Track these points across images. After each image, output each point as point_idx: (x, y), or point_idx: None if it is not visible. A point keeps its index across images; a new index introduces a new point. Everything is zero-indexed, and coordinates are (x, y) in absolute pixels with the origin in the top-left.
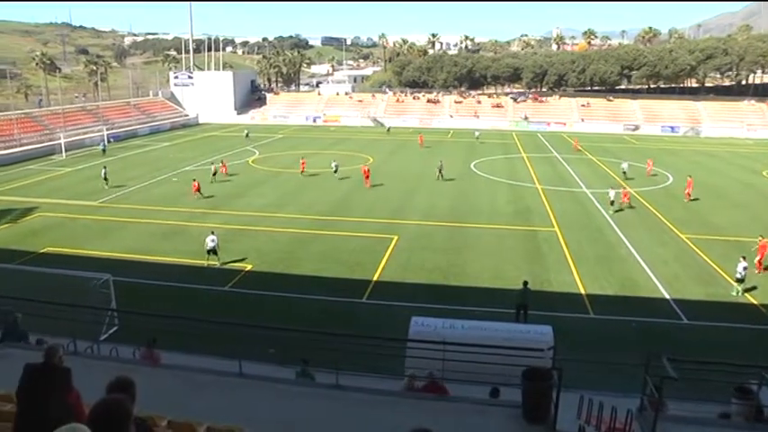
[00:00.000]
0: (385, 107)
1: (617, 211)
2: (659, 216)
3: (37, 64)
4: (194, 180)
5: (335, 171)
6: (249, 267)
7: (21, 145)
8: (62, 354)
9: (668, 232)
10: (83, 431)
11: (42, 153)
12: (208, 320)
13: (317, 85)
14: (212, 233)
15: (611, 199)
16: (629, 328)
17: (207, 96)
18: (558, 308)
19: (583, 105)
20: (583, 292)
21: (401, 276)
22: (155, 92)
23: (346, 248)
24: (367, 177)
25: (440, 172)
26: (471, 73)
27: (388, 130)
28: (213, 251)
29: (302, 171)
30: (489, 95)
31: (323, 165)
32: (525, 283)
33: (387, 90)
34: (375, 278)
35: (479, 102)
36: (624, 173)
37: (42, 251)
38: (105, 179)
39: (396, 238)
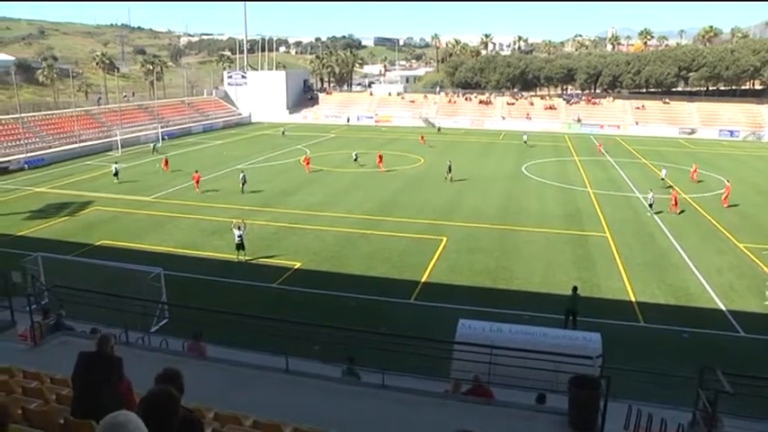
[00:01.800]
0: (437, 108)
1: (657, 213)
2: (714, 223)
3: (97, 63)
4: (196, 171)
5: (355, 159)
6: (298, 265)
7: (80, 141)
8: (114, 343)
9: (723, 240)
10: (133, 419)
11: (100, 149)
12: (255, 316)
13: (370, 86)
14: (238, 228)
15: (650, 202)
16: (681, 338)
17: (260, 96)
18: (608, 315)
19: (637, 108)
20: (633, 299)
21: (449, 278)
22: (209, 91)
23: (395, 249)
24: (380, 162)
25: (449, 172)
26: (524, 74)
27: (439, 130)
28: (241, 245)
29: (307, 170)
30: (542, 97)
31: (374, 163)
32: (575, 289)
33: (439, 91)
34: (423, 279)
35: (532, 103)
36: (663, 179)
37: (97, 244)
38: (115, 175)
39: (444, 239)
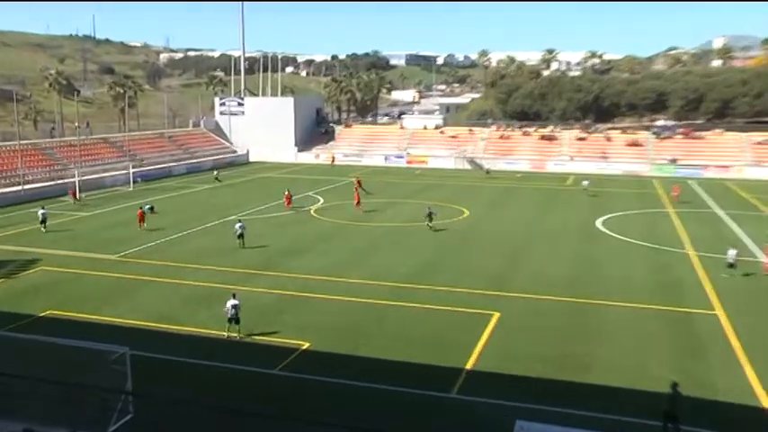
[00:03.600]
0: (485, 145)
1: (745, 275)
2: None
3: (51, 84)
4: (140, 209)
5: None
6: (306, 345)
7: (25, 182)
8: None
9: None
10: None
11: (51, 193)
12: (250, 413)
13: (400, 117)
14: (233, 296)
15: (730, 261)
16: None
17: (261, 128)
18: (726, 424)
19: (758, 142)
20: (765, 404)
21: (502, 365)
22: (195, 121)
23: (431, 326)
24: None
25: (429, 218)
26: (599, 100)
27: (487, 172)
28: (235, 319)
29: (288, 206)
30: (623, 130)
31: (406, 216)
32: (675, 386)
33: (488, 123)
34: (468, 366)
35: (609, 138)
36: None
37: (42, 314)
38: (42, 222)
39: (496, 314)
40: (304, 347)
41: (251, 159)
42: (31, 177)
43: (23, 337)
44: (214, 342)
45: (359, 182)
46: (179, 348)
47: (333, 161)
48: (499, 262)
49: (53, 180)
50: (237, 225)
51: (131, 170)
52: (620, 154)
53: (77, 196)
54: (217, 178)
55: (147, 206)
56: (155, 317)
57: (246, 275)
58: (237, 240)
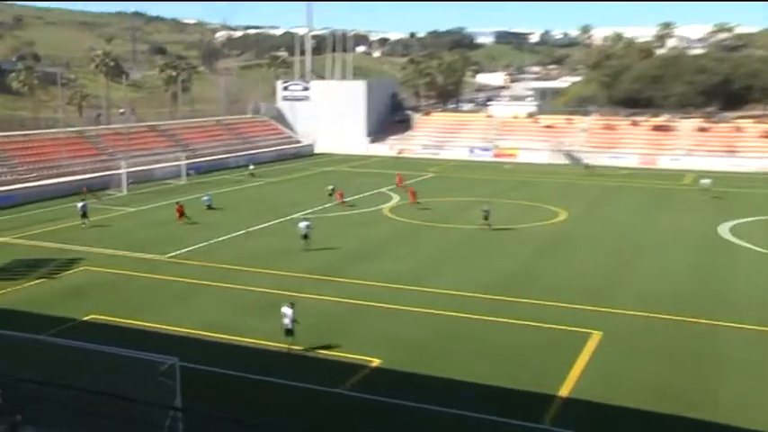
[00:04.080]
0: (586, 136)
1: None
2: None
3: (97, 66)
4: (178, 203)
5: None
6: (377, 363)
7: (68, 174)
8: None
9: None
10: None
11: (96, 185)
12: None
13: (487, 103)
14: (291, 305)
15: None
16: None
17: (328, 116)
18: None
19: None
20: None
21: (604, 395)
22: (255, 108)
23: (519, 344)
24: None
25: (485, 218)
26: (727, 83)
27: (587, 167)
28: (291, 331)
29: (341, 201)
30: (757, 119)
31: (493, 217)
32: None
33: (590, 111)
34: (562, 393)
35: (739, 129)
36: None
37: (84, 319)
38: (83, 216)
39: (597, 334)
40: (374, 364)
41: (316, 151)
42: (74, 168)
43: (63, 343)
44: (272, 355)
45: (412, 192)
46: (233, 361)
47: (399, 153)
48: (600, 272)
49: (98, 171)
50: (302, 224)
51: (184, 162)
52: (752, 148)
53: (87, 194)
54: (252, 174)
55: (206, 198)
56: (206, 325)
57: (310, 281)
58: (302, 241)
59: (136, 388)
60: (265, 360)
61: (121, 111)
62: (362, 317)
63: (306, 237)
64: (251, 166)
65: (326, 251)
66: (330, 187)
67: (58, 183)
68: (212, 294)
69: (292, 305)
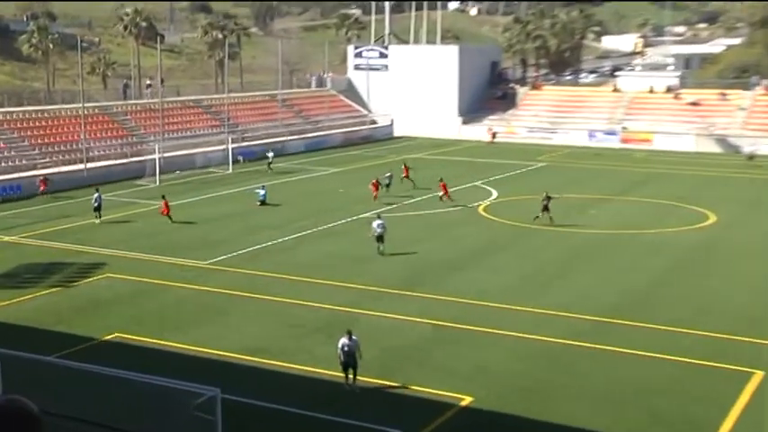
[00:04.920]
0: (745, 117)
1: None
2: None
3: (126, 27)
4: (163, 197)
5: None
6: (467, 401)
7: (89, 159)
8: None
9: None
10: None
11: (123, 174)
12: None
13: (614, 74)
14: (349, 335)
15: None
16: None
17: (411, 90)
18: None
19: None
20: None
21: None
22: (320, 79)
23: (651, 382)
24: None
25: (545, 208)
26: None
27: (750, 158)
28: (348, 364)
29: (406, 176)
30: None
31: (619, 220)
32: None
33: (754, 83)
34: None
35: None
36: None
37: (106, 338)
38: (96, 210)
39: (759, 374)
40: (464, 402)
41: (396, 134)
42: (97, 152)
43: (80, 367)
44: (332, 387)
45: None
46: (284, 392)
47: (493, 137)
48: (761, 294)
49: (126, 157)
50: (375, 223)
51: (230, 145)
52: None
53: (46, 186)
54: (269, 165)
55: (261, 191)
56: (253, 348)
57: (382, 296)
58: (376, 244)
59: (168, 424)
60: (323, 392)
61: (148, 82)
62: (449, 342)
63: (380, 238)
64: (270, 154)
65: (405, 258)
66: (387, 174)
67: (75, 171)
68: (261, 310)
69: (350, 335)
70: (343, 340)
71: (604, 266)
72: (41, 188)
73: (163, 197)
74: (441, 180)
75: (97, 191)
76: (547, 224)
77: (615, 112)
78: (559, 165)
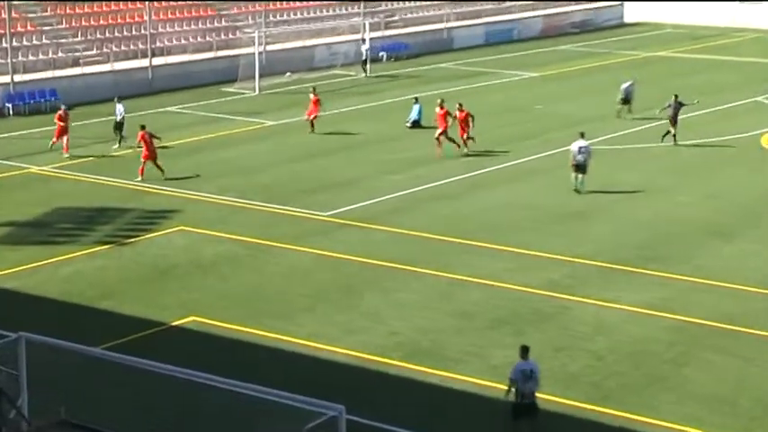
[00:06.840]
0: None
1: None
2: None
3: None
4: (142, 127)
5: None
6: None
7: (156, 53)
8: None
9: None
10: None
11: (206, 77)
12: None
13: None
14: (525, 352)
15: None
16: None
17: None
18: None
19: None
20: None
21: None
22: None
23: None
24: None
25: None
26: None
27: None
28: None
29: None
30: None
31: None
32: None
33: None
34: None
35: None
36: None
37: (179, 322)
38: (118, 129)
39: None
40: None
41: (626, 19)
42: (167, 42)
43: (144, 365)
44: (500, 406)
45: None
46: (435, 415)
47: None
48: None
49: (212, 50)
50: (576, 145)
51: (368, 34)
52: None
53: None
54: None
55: (415, 104)
56: (385, 346)
57: (598, 274)
58: (573, 179)
59: None
60: (487, 411)
61: None
62: (698, 350)
63: (580, 168)
64: (287, 74)
65: (638, 216)
66: (627, 84)
67: (135, 69)
68: (404, 288)
69: (526, 352)
70: (523, 365)
71: None
72: (57, 130)
73: (142, 126)
74: (459, 107)
75: (119, 101)
76: None
77: None
78: None
